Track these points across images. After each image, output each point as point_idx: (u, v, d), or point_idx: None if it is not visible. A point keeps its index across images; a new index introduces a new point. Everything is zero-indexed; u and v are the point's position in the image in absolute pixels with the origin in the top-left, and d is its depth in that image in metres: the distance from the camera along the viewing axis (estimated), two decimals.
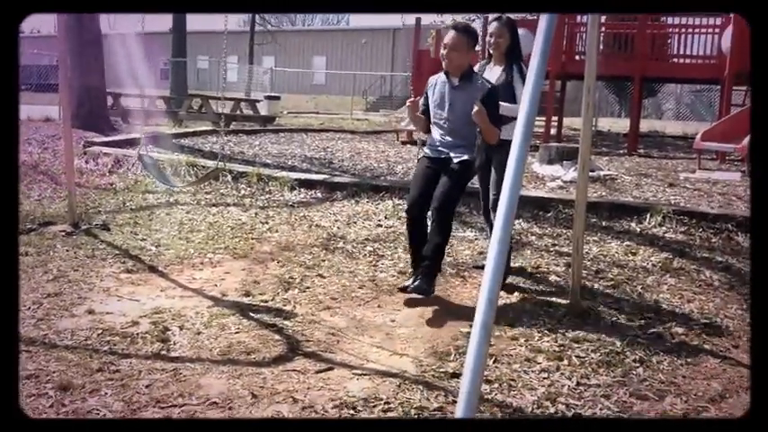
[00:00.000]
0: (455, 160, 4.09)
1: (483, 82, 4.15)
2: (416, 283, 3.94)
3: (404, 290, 4.07)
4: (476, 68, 4.62)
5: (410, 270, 4.56)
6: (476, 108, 3.88)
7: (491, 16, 4.60)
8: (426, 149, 4.31)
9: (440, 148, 4.18)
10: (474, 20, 19.37)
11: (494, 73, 4.39)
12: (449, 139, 4.15)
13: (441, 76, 4.24)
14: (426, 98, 4.32)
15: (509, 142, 4.21)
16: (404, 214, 4.40)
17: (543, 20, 2.40)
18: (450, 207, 4.05)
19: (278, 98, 19.25)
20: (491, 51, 4.46)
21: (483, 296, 2.08)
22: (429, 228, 4.07)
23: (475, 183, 4.55)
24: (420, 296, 3.91)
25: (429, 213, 4.08)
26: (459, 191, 4.13)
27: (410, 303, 3.94)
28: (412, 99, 4.35)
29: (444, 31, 16.55)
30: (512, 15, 5.12)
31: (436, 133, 4.23)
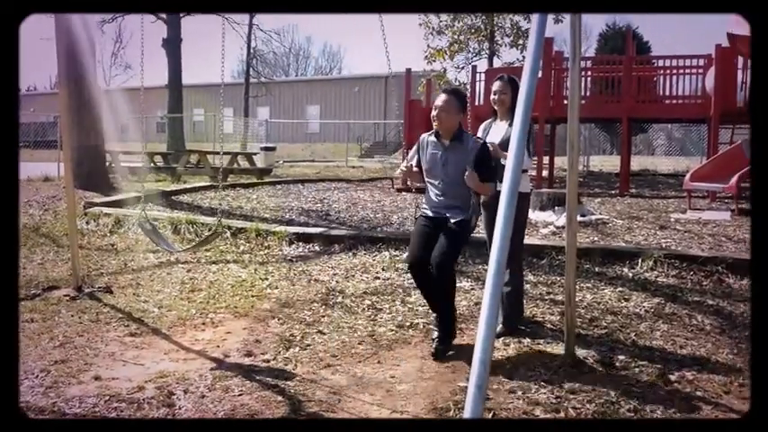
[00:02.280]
0: (452, 221, 4.23)
1: (474, 140, 4.33)
2: (435, 348, 4.13)
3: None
4: (483, 126, 4.83)
5: (408, 323, 4.69)
6: (467, 173, 4.10)
7: (496, 76, 4.79)
8: (424, 208, 4.46)
9: (436, 209, 4.33)
10: (463, 68, 19.81)
11: (499, 128, 4.58)
12: (444, 199, 4.30)
13: (431, 137, 4.40)
14: (418, 153, 4.47)
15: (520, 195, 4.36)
16: (407, 271, 4.60)
17: (535, 21, 2.55)
18: (449, 266, 4.17)
19: (273, 149, 19.48)
20: (495, 108, 4.64)
21: (476, 357, 2.18)
22: (433, 285, 4.19)
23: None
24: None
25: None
26: (458, 250, 4.28)
27: (410, 358, 4.02)
28: (405, 166, 4.49)
29: (434, 81, 16.92)
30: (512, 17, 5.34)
31: (432, 193, 4.38)
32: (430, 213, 4.37)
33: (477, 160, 4.20)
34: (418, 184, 4.58)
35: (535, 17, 2.58)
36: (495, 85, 4.62)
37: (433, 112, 4.31)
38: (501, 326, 4.42)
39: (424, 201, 4.51)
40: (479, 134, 4.78)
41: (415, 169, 4.48)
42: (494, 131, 4.65)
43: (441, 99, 4.33)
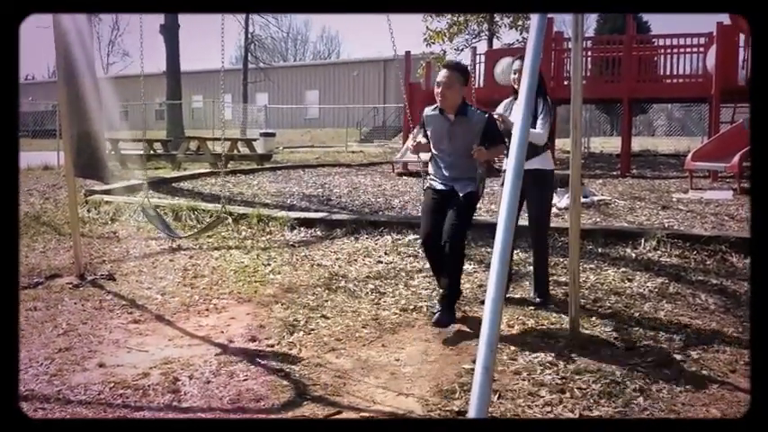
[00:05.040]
0: (461, 194, 4.29)
1: (479, 113, 4.37)
2: (436, 316, 4.20)
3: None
4: (502, 105, 4.84)
5: (411, 307, 4.68)
6: (475, 150, 4.19)
7: (514, 58, 4.78)
8: (432, 179, 4.52)
9: (444, 181, 4.40)
10: (462, 50, 19.69)
11: (519, 106, 4.56)
12: (451, 172, 4.37)
13: (435, 112, 4.42)
14: (423, 128, 4.53)
15: (541, 172, 4.53)
16: (420, 249, 4.68)
17: (535, 19, 2.53)
18: (460, 239, 4.26)
19: (273, 135, 19.45)
20: (516, 87, 4.65)
21: (483, 340, 2.17)
22: (444, 258, 4.26)
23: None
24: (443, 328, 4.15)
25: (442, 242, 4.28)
26: (467, 223, 4.37)
27: (414, 341, 4.02)
28: (413, 143, 4.59)
29: (434, 64, 16.81)
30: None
31: (439, 167, 4.46)
32: (438, 186, 4.43)
33: (484, 133, 4.29)
34: (426, 158, 4.67)
35: (535, 17, 2.56)
36: (516, 65, 4.67)
37: (436, 89, 4.33)
38: (537, 298, 4.71)
39: (431, 171, 4.55)
40: (499, 110, 4.80)
41: (423, 141, 4.53)
42: (514, 110, 4.67)
43: (442, 75, 4.32)
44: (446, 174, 4.41)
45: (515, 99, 4.72)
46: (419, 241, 4.53)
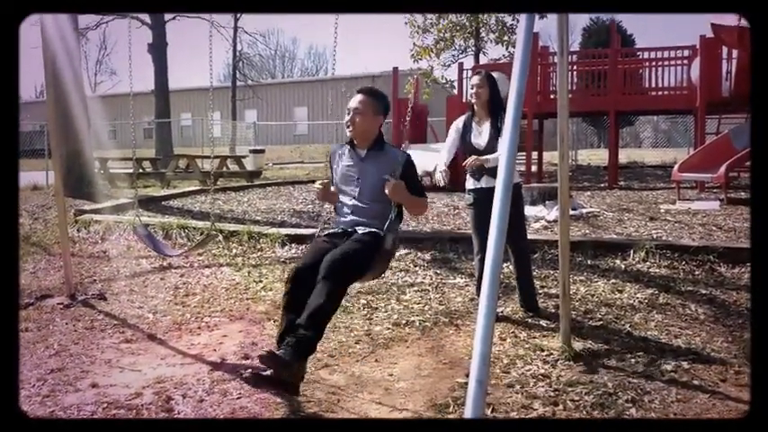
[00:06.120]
0: (360, 231, 3.53)
1: (398, 151, 3.66)
2: (279, 352, 3.06)
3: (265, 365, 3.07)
4: (461, 120, 4.83)
5: (404, 321, 4.69)
6: (392, 183, 3.42)
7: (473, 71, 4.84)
8: (327, 228, 3.81)
9: (343, 228, 3.62)
10: (449, 65, 19.80)
11: (483, 129, 4.64)
12: (356, 218, 3.59)
13: (344, 147, 3.78)
14: (330, 168, 3.85)
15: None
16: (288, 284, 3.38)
17: (522, 22, 2.57)
18: (344, 269, 3.27)
19: (262, 151, 19.43)
20: (473, 102, 4.68)
21: (476, 353, 2.19)
22: (313, 294, 3.22)
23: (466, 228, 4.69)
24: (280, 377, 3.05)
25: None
26: (357, 262, 3.34)
27: (407, 355, 4.03)
28: (322, 181, 3.79)
29: (421, 80, 16.79)
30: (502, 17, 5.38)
31: (341, 211, 3.70)
32: (334, 230, 3.66)
33: (402, 177, 3.49)
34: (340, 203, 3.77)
35: (523, 18, 2.59)
36: (473, 80, 4.71)
37: (346, 117, 3.65)
38: (527, 312, 4.76)
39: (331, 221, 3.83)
40: (454, 129, 4.83)
41: (332, 188, 3.79)
42: (476, 132, 4.69)
43: (355, 100, 3.68)
44: (348, 219, 3.60)
45: (473, 115, 4.76)
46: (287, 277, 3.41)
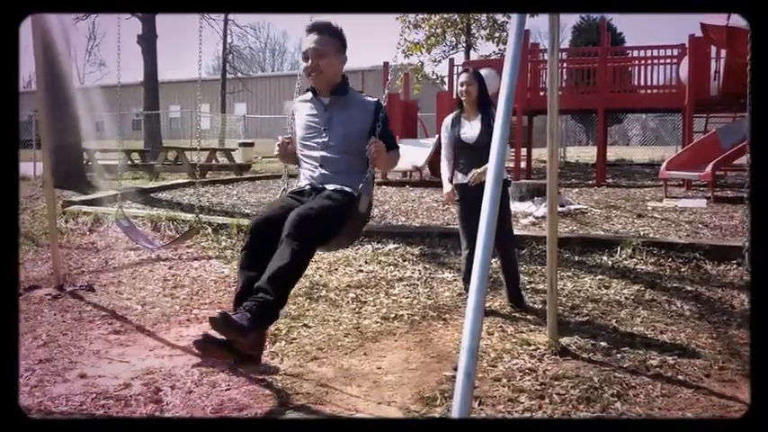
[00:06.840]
0: (330, 188, 3.17)
1: (365, 98, 3.33)
2: (235, 316, 2.69)
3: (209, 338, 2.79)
4: (449, 118, 4.85)
5: (392, 315, 4.72)
6: (373, 143, 3.07)
7: (461, 68, 4.88)
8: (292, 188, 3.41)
9: (311, 183, 3.26)
10: (440, 61, 19.82)
11: (473, 125, 4.67)
12: (326, 172, 3.23)
13: (305, 97, 3.42)
14: (292, 122, 3.51)
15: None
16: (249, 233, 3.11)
17: (514, 20, 2.59)
18: (312, 227, 2.91)
19: (252, 144, 19.42)
20: (462, 99, 4.71)
21: (464, 347, 2.21)
22: (278, 249, 2.91)
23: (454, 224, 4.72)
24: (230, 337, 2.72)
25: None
26: (332, 217, 3.01)
27: (395, 349, 4.05)
28: (283, 138, 3.46)
29: (412, 75, 16.80)
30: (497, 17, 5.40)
31: (308, 166, 3.33)
32: (302, 187, 3.28)
33: (383, 131, 3.14)
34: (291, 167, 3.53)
35: (514, 17, 2.61)
36: (462, 77, 4.75)
37: (305, 63, 3.25)
38: (514, 306, 4.76)
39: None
40: (444, 129, 4.86)
41: (289, 146, 3.42)
42: (467, 126, 4.72)
43: (310, 40, 3.20)
44: (314, 174, 3.24)
45: (462, 112, 4.79)
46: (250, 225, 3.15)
